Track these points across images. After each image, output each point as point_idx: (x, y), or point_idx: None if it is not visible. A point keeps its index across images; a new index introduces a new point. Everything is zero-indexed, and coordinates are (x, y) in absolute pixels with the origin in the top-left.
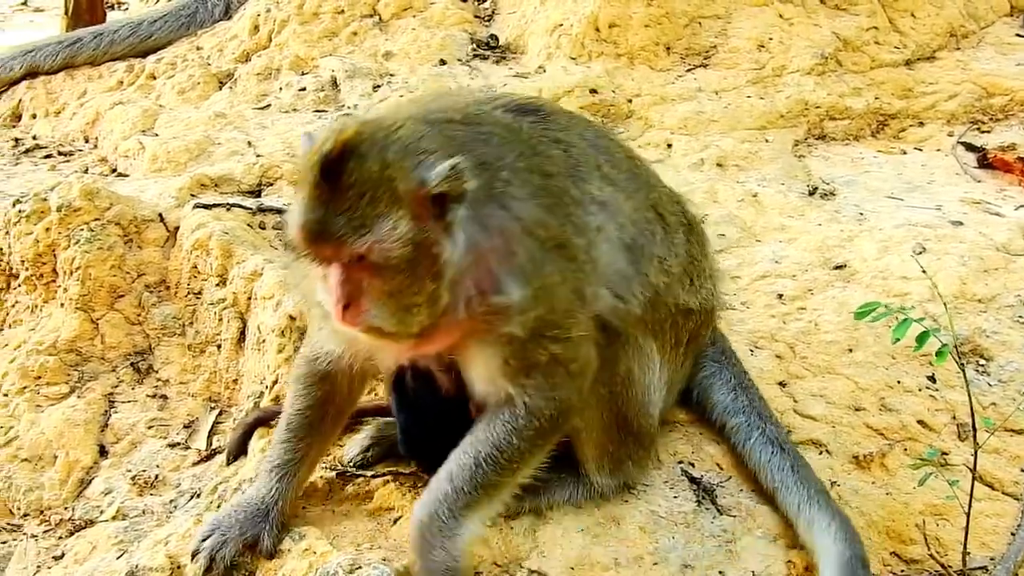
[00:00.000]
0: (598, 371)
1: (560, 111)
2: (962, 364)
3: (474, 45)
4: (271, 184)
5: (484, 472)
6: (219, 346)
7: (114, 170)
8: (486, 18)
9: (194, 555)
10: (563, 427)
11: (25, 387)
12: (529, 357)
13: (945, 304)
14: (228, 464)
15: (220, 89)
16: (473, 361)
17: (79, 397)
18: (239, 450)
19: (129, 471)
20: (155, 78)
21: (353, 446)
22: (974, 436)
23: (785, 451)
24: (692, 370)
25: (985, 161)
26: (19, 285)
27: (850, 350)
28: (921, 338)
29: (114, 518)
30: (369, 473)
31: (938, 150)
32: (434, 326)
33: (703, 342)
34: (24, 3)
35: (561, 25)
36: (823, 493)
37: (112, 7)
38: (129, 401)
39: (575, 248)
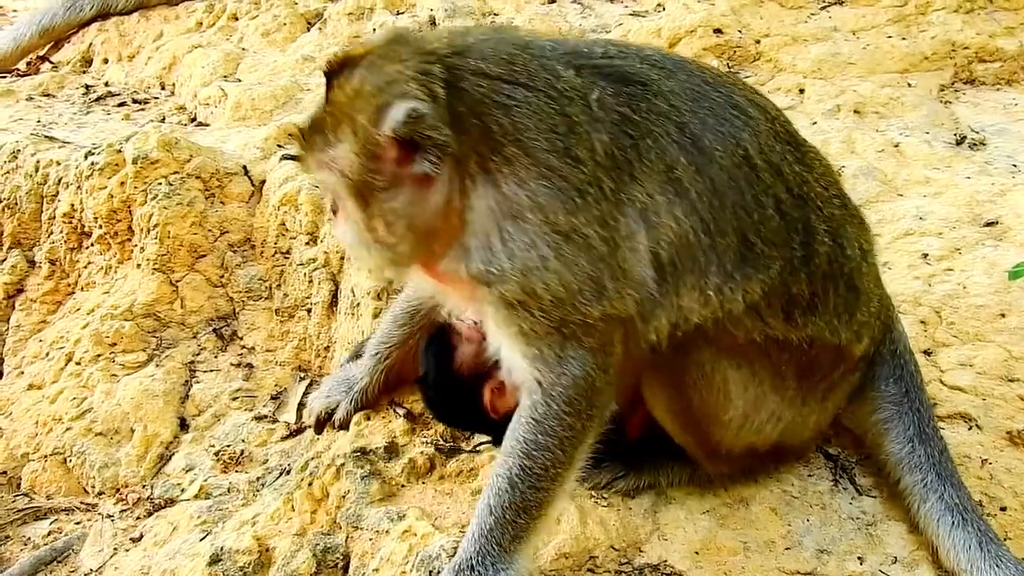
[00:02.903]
0: (666, 374)
1: (682, 91)
2: None
3: None
4: None
5: (522, 492)
6: (309, 310)
7: (193, 119)
8: None
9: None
10: (590, 412)
11: (99, 355)
12: (538, 329)
13: None
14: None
15: (308, 31)
16: (488, 323)
17: (158, 366)
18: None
19: (212, 446)
20: (237, 19)
21: None
22: None
23: (968, 522)
24: (866, 409)
25: None
26: (92, 244)
27: (1002, 315)
28: None
29: (196, 497)
30: (469, 448)
31: None
32: (434, 272)
33: (841, 381)
34: None
35: None
36: None
37: None
38: (212, 370)
39: (592, 239)
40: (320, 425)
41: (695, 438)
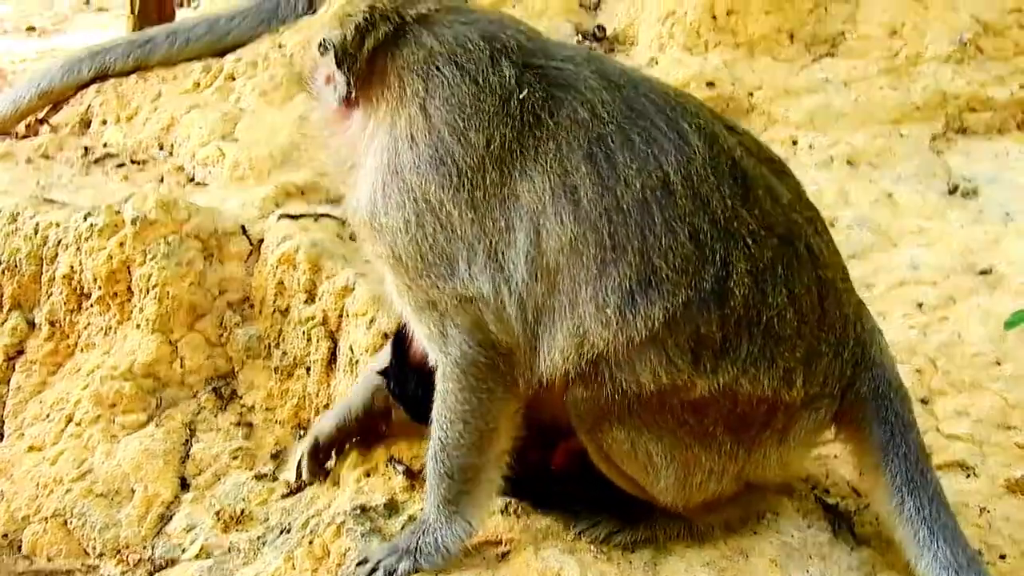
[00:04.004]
0: (594, 449)
1: (618, 106)
2: None
3: (580, 36)
4: None
5: (445, 460)
6: (308, 368)
7: (192, 179)
8: (592, 6)
9: None
10: (487, 387)
11: (99, 416)
12: (418, 299)
13: None
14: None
15: (305, 90)
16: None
17: (157, 426)
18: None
19: (213, 505)
20: (234, 79)
21: None
22: None
23: None
24: (855, 454)
25: None
26: (91, 305)
27: (998, 363)
28: None
29: (197, 556)
30: None
31: None
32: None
33: (792, 424)
34: (87, 2)
35: (674, 13)
36: None
37: (181, 5)
38: (211, 430)
39: (455, 219)
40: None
41: (648, 499)
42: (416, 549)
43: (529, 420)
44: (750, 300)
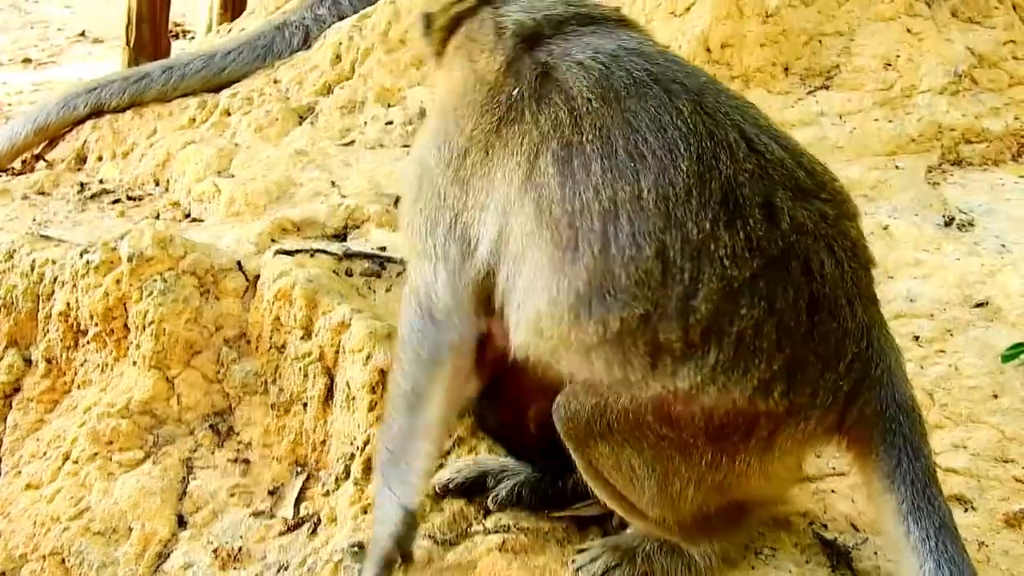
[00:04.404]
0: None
1: (643, 114)
2: None
3: None
4: (357, 227)
5: (392, 409)
6: (305, 404)
7: (188, 215)
8: None
9: None
10: (433, 316)
11: (96, 453)
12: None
13: None
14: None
15: (300, 125)
16: None
17: (154, 463)
18: None
19: (210, 543)
20: (230, 114)
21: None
22: None
23: None
24: (864, 481)
25: None
26: (88, 342)
27: (995, 396)
28: None
29: None
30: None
31: None
32: None
33: (779, 433)
34: (82, 34)
35: (669, 46)
36: None
37: (176, 36)
38: (209, 467)
39: (442, 191)
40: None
41: (638, 519)
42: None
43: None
44: (719, 313)
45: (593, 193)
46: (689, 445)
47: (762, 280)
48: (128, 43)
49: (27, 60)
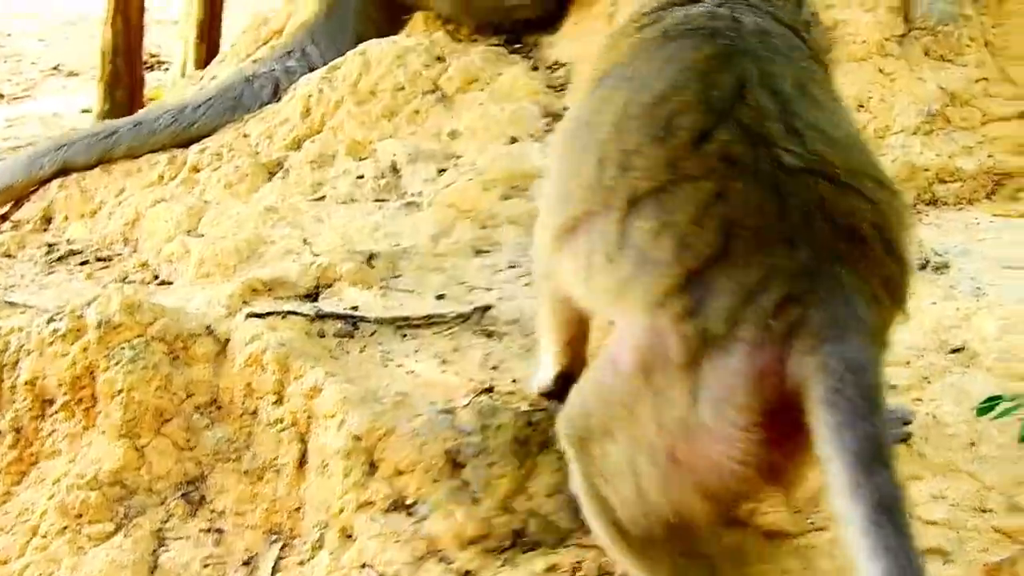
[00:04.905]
0: None
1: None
2: None
3: (547, 119)
4: (330, 286)
5: None
6: (278, 471)
7: (156, 277)
8: (559, 87)
9: None
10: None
11: (65, 527)
12: None
13: None
14: None
15: (270, 180)
16: None
17: (125, 535)
18: None
19: None
20: (199, 170)
21: None
22: None
23: None
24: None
25: None
26: (56, 412)
27: (973, 444)
28: None
29: None
30: None
31: None
32: None
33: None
34: (56, 68)
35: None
36: None
37: (152, 68)
38: (181, 537)
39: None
40: None
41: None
42: None
43: None
44: (631, 226)
45: (588, 112)
46: (634, 414)
47: (666, 194)
48: (103, 76)
49: (0, 96)
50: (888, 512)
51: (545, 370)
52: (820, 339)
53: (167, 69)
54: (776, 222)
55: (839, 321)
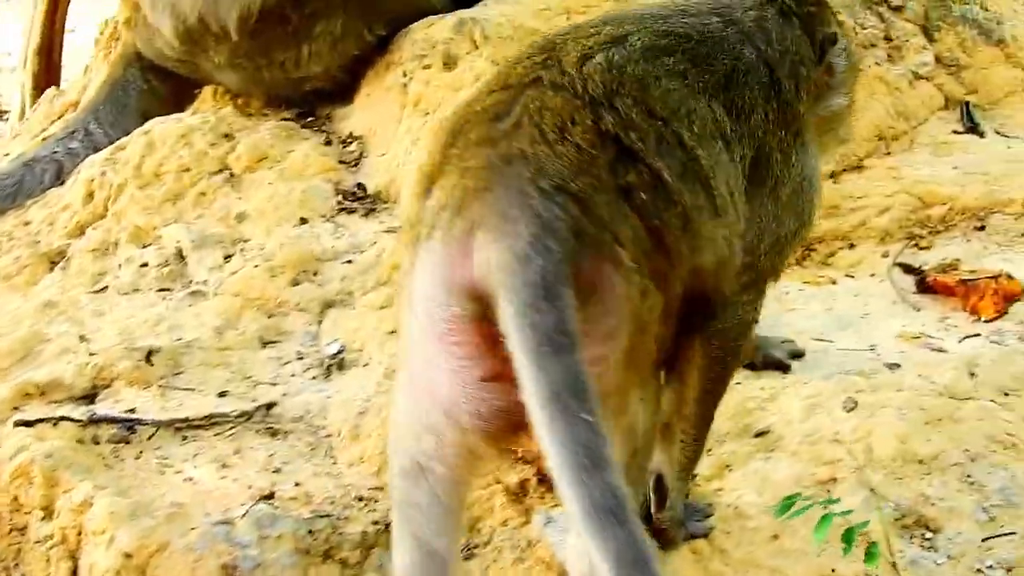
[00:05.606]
0: None
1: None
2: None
3: (340, 197)
4: (107, 386)
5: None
6: None
7: None
8: (352, 163)
9: None
10: None
11: None
12: None
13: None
14: None
15: (51, 271)
16: None
17: None
18: None
19: None
20: None
21: None
22: None
23: None
24: None
25: (924, 285)
26: None
27: (775, 536)
28: (848, 537)
29: None
30: None
31: (872, 275)
32: None
33: None
34: None
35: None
36: None
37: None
38: None
39: None
40: None
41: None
42: None
43: None
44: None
45: None
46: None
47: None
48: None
49: None
50: (570, 389)
51: None
52: (494, 233)
53: (7, 119)
54: (487, 130)
55: (509, 216)
